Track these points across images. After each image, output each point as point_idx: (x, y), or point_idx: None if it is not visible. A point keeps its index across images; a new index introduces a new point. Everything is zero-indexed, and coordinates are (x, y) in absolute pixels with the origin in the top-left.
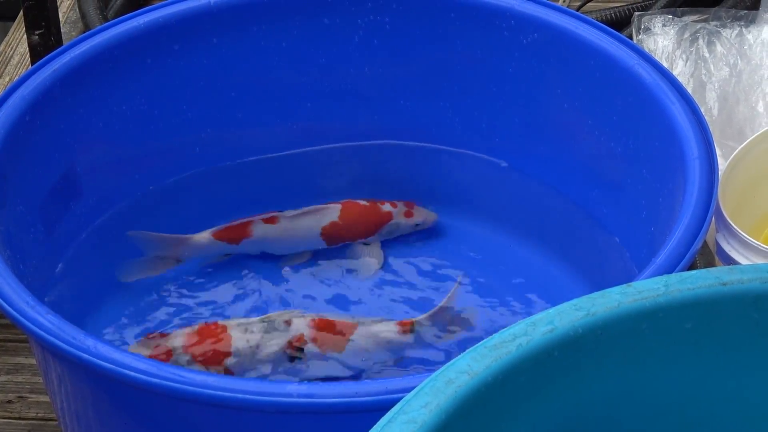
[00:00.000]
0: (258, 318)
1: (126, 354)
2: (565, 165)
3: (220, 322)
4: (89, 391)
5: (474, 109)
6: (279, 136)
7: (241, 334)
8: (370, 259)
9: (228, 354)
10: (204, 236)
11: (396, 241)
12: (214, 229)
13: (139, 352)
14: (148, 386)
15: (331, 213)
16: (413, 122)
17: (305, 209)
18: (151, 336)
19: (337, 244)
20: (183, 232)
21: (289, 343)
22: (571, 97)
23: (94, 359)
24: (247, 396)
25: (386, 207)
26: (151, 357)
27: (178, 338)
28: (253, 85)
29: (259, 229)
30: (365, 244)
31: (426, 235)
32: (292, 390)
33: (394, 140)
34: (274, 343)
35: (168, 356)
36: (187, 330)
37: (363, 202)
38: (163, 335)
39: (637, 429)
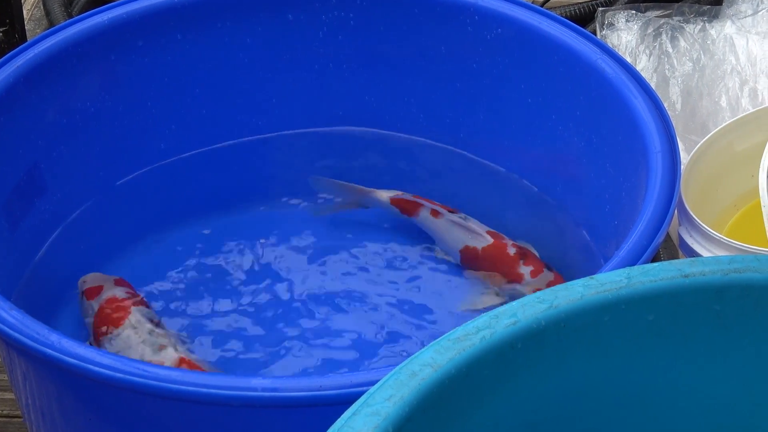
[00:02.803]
0: (153, 325)
1: (90, 349)
2: (530, 159)
3: (135, 309)
4: (53, 387)
5: (439, 104)
6: (243, 131)
7: (131, 327)
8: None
9: (110, 329)
10: (383, 195)
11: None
12: (395, 193)
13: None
14: (112, 381)
15: (479, 241)
16: (379, 117)
17: (463, 220)
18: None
19: (464, 265)
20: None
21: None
22: (534, 92)
23: (58, 354)
24: (212, 390)
25: (522, 269)
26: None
27: (104, 294)
28: (217, 81)
29: (423, 215)
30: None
31: (396, 223)
32: (256, 384)
33: (361, 127)
34: (142, 352)
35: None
36: (109, 294)
37: (511, 250)
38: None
39: (601, 420)
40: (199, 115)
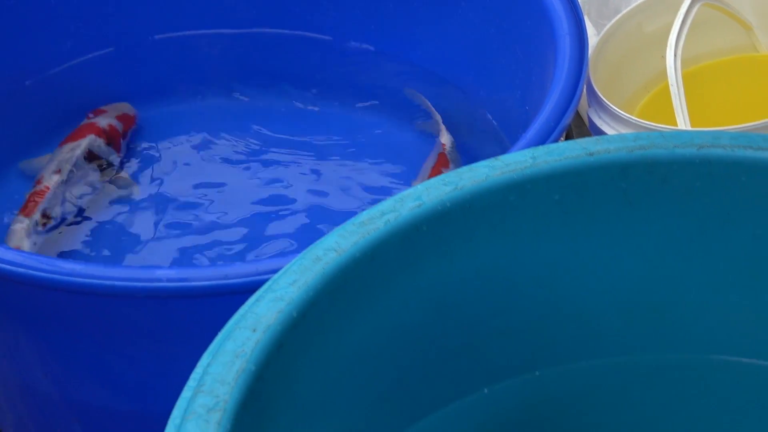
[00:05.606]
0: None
1: None
2: (440, 48)
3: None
4: None
5: None
6: (149, 27)
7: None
8: None
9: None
10: (444, 138)
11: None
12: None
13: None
14: (14, 276)
15: None
16: (288, 14)
17: None
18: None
19: None
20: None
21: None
22: None
23: None
24: (116, 282)
25: None
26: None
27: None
28: None
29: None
30: None
31: (310, 118)
32: (161, 275)
33: (268, 29)
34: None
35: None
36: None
37: None
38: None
39: (510, 300)
40: (104, 12)
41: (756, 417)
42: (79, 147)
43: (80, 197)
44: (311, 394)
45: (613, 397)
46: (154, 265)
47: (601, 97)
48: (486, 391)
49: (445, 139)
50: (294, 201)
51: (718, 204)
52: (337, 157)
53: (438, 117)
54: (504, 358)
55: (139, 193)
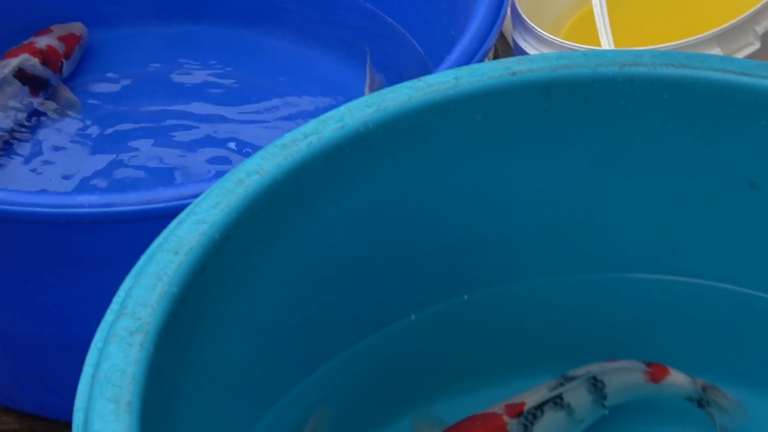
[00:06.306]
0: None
1: None
2: None
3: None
4: None
5: None
6: None
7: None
8: None
9: None
10: None
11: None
12: None
13: None
14: None
15: None
16: None
17: None
18: None
19: None
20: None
21: None
22: None
23: None
24: (37, 209)
25: None
26: None
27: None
28: None
29: None
30: None
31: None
32: (83, 201)
33: None
34: None
35: None
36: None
37: None
38: None
39: (436, 221)
40: None
41: (677, 332)
42: (8, 65)
43: (11, 115)
44: (236, 317)
45: (540, 318)
46: (77, 192)
47: (526, 19)
48: (413, 317)
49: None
50: (236, 132)
51: (641, 122)
52: (288, 92)
53: (367, 80)
54: (431, 283)
55: (80, 109)
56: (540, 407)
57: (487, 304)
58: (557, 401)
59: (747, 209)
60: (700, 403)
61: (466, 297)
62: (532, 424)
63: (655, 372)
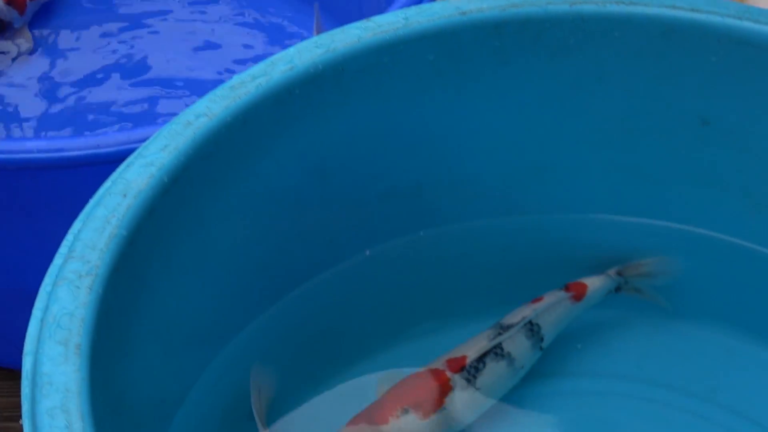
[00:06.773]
0: None
1: None
2: None
3: None
4: None
5: None
6: None
7: None
8: None
9: None
10: None
11: None
12: None
13: None
14: None
15: None
16: None
17: None
18: None
19: None
20: None
21: None
22: None
23: None
24: None
25: None
26: None
27: None
28: None
29: None
30: None
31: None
32: (32, 146)
33: None
34: None
35: None
36: None
37: None
38: None
39: (387, 164)
40: None
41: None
42: None
43: None
44: (186, 260)
45: (497, 258)
46: (24, 137)
47: None
48: (368, 252)
49: None
50: (203, 81)
51: (592, 60)
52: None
53: (315, 20)
54: (386, 222)
55: (31, 47)
56: (481, 359)
57: (443, 241)
58: (498, 351)
59: (699, 147)
60: (624, 288)
61: (422, 233)
62: (474, 377)
63: (577, 291)
